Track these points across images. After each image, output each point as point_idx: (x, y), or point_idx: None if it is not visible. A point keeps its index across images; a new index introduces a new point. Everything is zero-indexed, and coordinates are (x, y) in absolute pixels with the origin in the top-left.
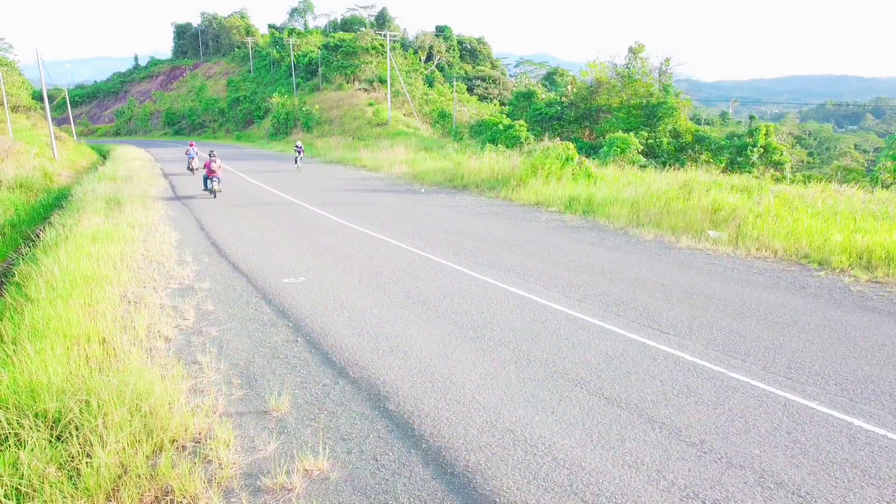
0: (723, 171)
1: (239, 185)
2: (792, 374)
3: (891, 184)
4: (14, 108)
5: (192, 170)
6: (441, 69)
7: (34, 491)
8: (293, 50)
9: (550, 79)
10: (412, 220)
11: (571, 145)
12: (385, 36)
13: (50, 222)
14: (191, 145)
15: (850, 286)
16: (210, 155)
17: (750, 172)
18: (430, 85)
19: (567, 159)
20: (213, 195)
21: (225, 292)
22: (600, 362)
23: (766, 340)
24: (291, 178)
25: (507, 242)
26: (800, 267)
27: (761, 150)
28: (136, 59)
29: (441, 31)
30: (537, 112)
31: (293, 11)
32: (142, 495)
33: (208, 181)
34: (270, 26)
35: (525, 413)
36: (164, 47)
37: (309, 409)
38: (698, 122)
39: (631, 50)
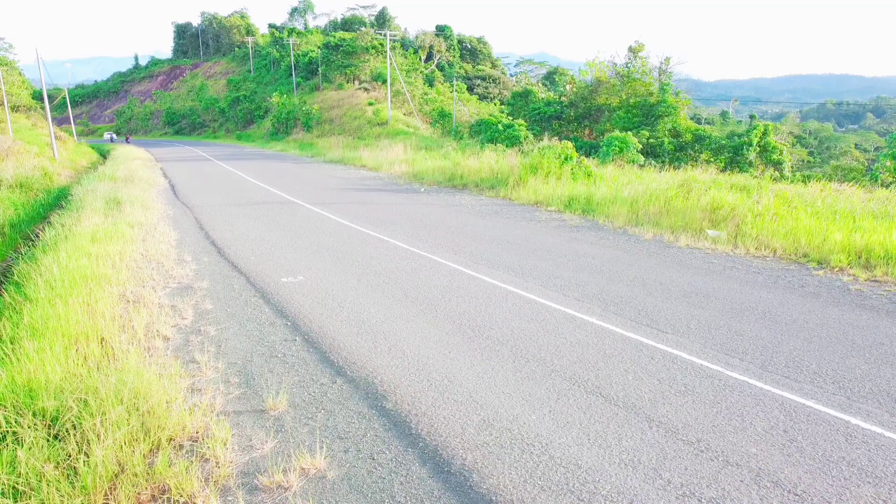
0: (722, 171)
1: (238, 184)
2: (790, 373)
3: (890, 183)
4: (14, 108)
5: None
6: (441, 69)
7: (31, 489)
8: (293, 49)
9: (551, 78)
10: (411, 220)
11: (570, 144)
12: (385, 35)
13: (49, 222)
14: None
15: (848, 285)
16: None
17: (748, 172)
18: (430, 84)
19: (565, 158)
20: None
21: (223, 291)
22: (598, 361)
23: (764, 339)
24: (291, 178)
25: (506, 241)
26: (798, 266)
27: (759, 149)
28: (136, 58)
29: (441, 30)
30: (536, 111)
31: (293, 11)
32: (138, 493)
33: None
34: (271, 26)
35: (522, 411)
36: (164, 47)
37: (306, 408)
38: (699, 121)
39: (631, 49)
